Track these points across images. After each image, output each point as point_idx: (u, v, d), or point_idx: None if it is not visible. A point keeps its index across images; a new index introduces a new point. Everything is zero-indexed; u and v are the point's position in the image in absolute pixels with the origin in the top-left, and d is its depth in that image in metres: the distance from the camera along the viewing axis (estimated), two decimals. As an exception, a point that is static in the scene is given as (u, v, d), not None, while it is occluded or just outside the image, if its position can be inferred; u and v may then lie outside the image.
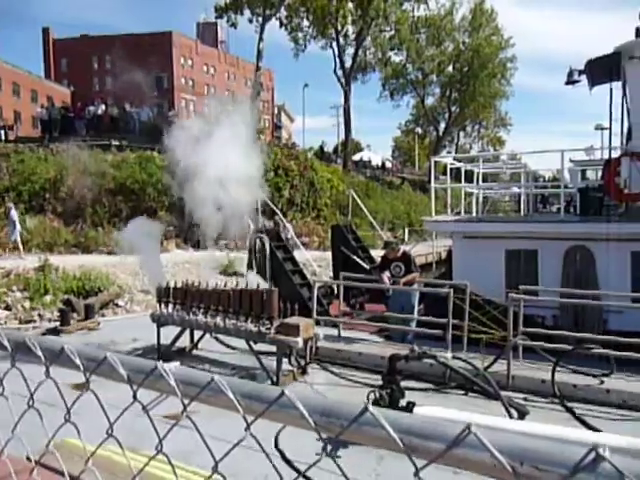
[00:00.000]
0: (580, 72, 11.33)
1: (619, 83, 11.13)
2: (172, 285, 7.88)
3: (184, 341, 7.99)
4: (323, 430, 0.84)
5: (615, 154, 10.27)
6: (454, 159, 15.59)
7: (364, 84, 46.89)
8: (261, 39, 37.96)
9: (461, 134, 55.26)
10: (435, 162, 14.03)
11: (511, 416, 5.29)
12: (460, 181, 12.79)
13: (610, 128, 11.98)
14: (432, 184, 10.70)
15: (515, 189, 16.41)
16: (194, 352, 8.06)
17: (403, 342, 8.49)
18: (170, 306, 7.68)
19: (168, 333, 7.78)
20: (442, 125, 49.32)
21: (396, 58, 45.22)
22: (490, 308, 7.94)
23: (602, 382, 6.64)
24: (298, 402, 0.85)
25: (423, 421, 0.77)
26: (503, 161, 20.79)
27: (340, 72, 40.82)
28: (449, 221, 10.82)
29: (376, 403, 5.10)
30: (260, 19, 37.95)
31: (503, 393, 6.48)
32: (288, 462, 3.74)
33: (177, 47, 52.82)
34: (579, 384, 6.61)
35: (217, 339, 8.01)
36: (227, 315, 7.14)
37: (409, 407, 5.06)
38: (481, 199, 11.95)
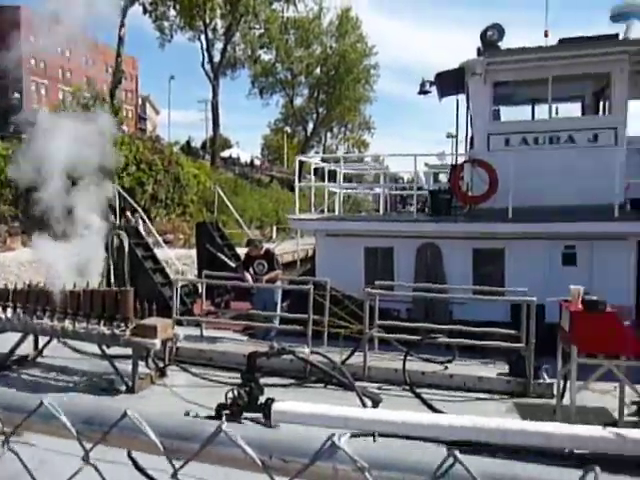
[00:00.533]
0: (431, 83, 12.26)
1: (464, 95, 12.22)
2: (12, 287, 7.14)
3: (27, 348, 7.29)
4: (172, 455, 0.77)
5: (461, 160, 11.28)
6: (321, 160, 16.06)
7: (233, 80, 46.49)
8: (122, 24, 35.87)
9: (328, 135, 56.96)
10: (300, 161, 14.34)
11: (365, 405, 5.55)
12: (329, 180, 13.21)
13: (456, 136, 13.14)
14: (297, 183, 10.93)
15: (377, 190, 17.30)
16: (39, 360, 7.38)
17: (266, 340, 8.54)
18: (10, 310, 6.96)
19: (7, 341, 7.04)
20: (310, 125, 50.52)
21: (265, 56, 45.47)
22: (349, 303, 8.29)
23: (446, 368, 7.25)
24: (144, 424, 0.77)
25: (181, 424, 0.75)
26: (367, 163, 21.86)
27: (208, 66, 40.04)
28: (313, 219, 11.12)
29: (234, 402, 5.07)
30: (122, 2, 35.82)
31: (360, 384, 6.80)
32: (141, 471, 3.57)
33: (26, 24, 47.98)
34: (427, 371, 7.15)
35: (66, 344, 7.42)
36: (77, 318, 6.65)
37: (268, 403, 5.09)
38: (342, 198, 12.43)
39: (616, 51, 9.96)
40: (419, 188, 17.21)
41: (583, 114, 12.06)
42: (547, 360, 6.63)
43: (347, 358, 7.25)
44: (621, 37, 10.56)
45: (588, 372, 5.13)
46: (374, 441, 4.96)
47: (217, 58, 40.29)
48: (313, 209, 12.17)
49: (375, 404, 6.12)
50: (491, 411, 6.15)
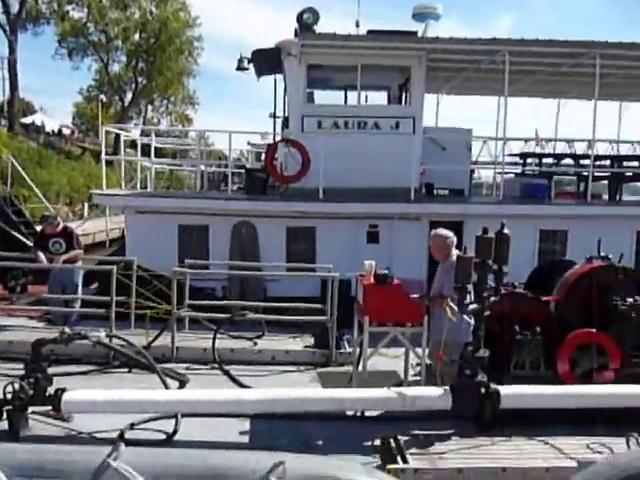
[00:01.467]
0: (249, 60, 12.19)
1: (282, 76, 12.39)
2: None
3: None
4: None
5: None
6: (141, 132, 15.05)
7: (36, 37, 41.25)
8: None
9: (149, 107, 53.80)
10: (117, 134, 13.31)
11: (167, 387, 5.39)
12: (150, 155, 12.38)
13: (274, 116, 13.31)
14: (103, 155, 10.09)
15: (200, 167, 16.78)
16: None
17: (68, 325, 7.82)
18: None
19: None
20: (129, 95, 47.16)
21: (75, 14, 41.07)
22: (157, 283, 7.96)
23: (256, 344, 7.39)
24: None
25: None
26: (191, 138, 21.10)
27: (3, 17, 34.90)
28: (121, 195, 10.41)
29: (16, 396, 4.55)
30: None
31: (168, 365, 6.61)
32: None
33: None
34: (236, 348, 7.21)
35: None
36: None
37: (57, 394, 4.66)
38: (154, 174, 11.84)
39: (415, 47, 10.89)
40: (241, 167, 17.19)
41: (389, 103, 13.03)
42: (350, 331, 7.12)
43: (154, 340, 6.98)
44: (420, 35, 11.59)
45: (382, 339, 5.60)
46: (176, 423, 4.86)
47: (16, 9, 35.33)
48: (123, 184, 11.39)
49: (182, 385, 5.99)
50: (296, 382, 6.43)
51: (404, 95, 12.41)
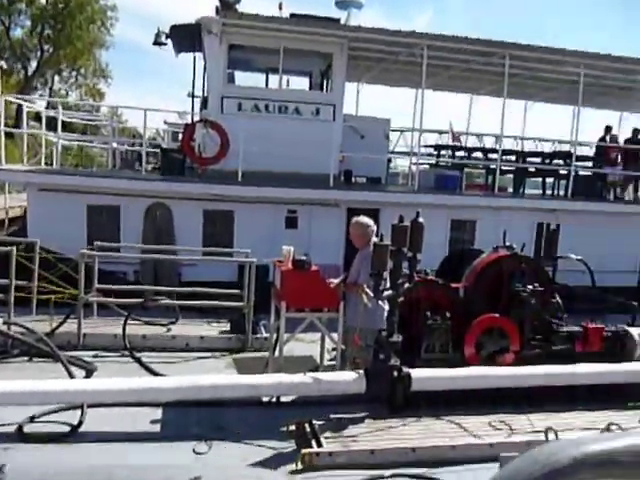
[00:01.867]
0: (167, 35, 11.68)
1: (202, 54, 11.99)
2: None
3: None
4: None
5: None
6: (47, 104, 13.97)
7: None
8: None
9: (56, 78, 50.28)
10: (8, 102, 12.27)
11: (72, 376, 5.11)
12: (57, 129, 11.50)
13: (193, 95, 12.89)
14: (1, 127, 9.27)
15: (115, 144, 15.92)
16: None
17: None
18: None
19: None
20: (33, 64, 43.79)
21: (-30, -30, 37.36)
22: (62, 266, 7.50)
23: (169, 330, 7.18)
24: None
25: None
26: (103, 114, 19.95)
27: None
28: (22, 171, 9.65)
29: None
30: None
31: (74, 353, 6.27)
32: None
33: None
34: (149, 334, 6.97)
35: None
36: None
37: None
38: (60, 150, 11.08)
39: (337, 35, 10.92)
40: (156, 145, 16.52)
41: (310, 89, 13.01)
42: (267, 317, 7.08)
43: (58, 326, 6.59)
44: (343, 23, 11.63)
45: (299, 325, 5.62)
46: (82, 414, 4.62)
47: None
48: (26, 160, 10.58)
49: (88, 374, 5.71)
50: (211, 368, 6.32)
51: (325, 82, 12.45)
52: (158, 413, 4.93)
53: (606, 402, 5.74)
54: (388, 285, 5.02)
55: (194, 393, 4.72)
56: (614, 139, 13.84)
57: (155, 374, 5.88)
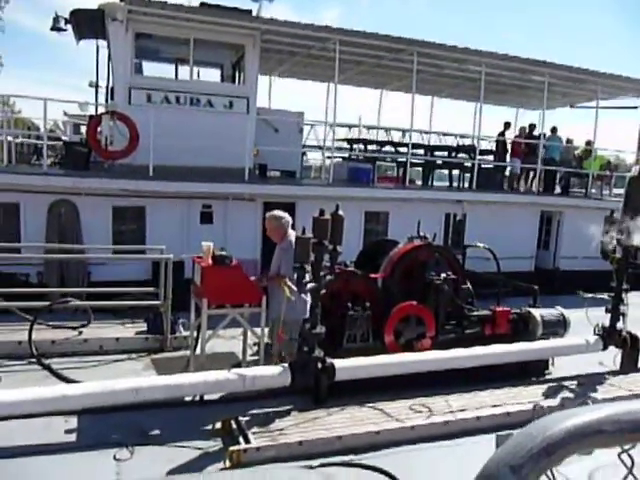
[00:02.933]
0: (66, 21, 10.95)
1: (106, 41, 11.36)
2: None
3: None
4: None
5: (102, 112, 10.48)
6: None
7: None
8: None
9: None
10: None
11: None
12: None
13: (97, 85, 12.20)
14: None
15: (9, 137, 14.70)
16: None
17: None
18: None
19: None
20: None
21: None
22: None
23: (81, 333, 6.79)
24: None
25: None
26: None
27: None
28: None
29: None
30: None
31: (-28, 364, 5.77)
32: None
33: None
34: (58, 338, 6.55)
35: None
36: None
37: None
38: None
39: (249, 26, 10.77)
40: (57, 138, 15.51)
41: (222, 81, 12.75)
42: (185, 315, 6.89)
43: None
44: (255, 14, 11.48)
45: (219, 321, 5.52)
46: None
47: None
48: None
49: (-9, 385, 5.28)
50: (128, 371, 6.06)
51: (237, 74, 12.26)
52: (73, 422, 4.67)
53: (514, 379, 6.18)
54: (309, 277, 5.07)
55: (112, 398, 4.52)
56: (523, 132, 14.74)
57: (67, 381, 5.55)
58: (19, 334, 6.35)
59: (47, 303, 6.70)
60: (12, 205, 9.01)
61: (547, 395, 5.87)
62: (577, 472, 3.37)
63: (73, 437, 4.47)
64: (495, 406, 5.45)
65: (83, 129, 17.32)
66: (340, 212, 5.12)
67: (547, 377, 6.57)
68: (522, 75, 13.55)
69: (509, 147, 14.87)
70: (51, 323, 6.83)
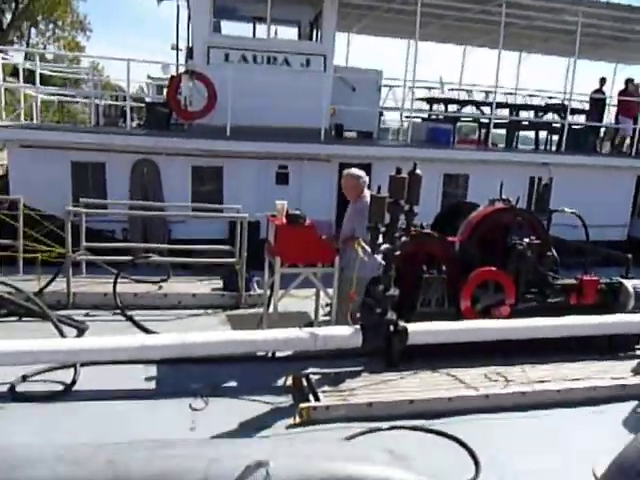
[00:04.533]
0: (148, -19, 11.10)
1: (185, 2, 11.45)
2: None
3: None
4: None
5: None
6: (25, 58, 13.35)
7: None
8: None
9: (33, 32, 48.35)
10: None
11: (63, 335, 5.02)
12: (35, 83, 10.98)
13: (177, 47, 12.37)
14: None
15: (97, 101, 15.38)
16: None
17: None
18: None
19: None
20: (8, 16, 41.96)
21: None
22: (49, 224, 7.31)
23: (160, 287, 7.06)
24: None
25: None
26: (84, 69, 19.21)
27: None
28: (1, 126, 9.27)
29: None
30: None
31: (64, 312, 6.15)
32: None
33: None
34: (140, 292, 6.85)
35: None
36: None
37: None
38: (40, 105, 10.65)
39: (328, -19, 10.44)
40: (140, 100, 16.00)
41: (300, 39, 12.54)
42: (259, 273, 6.98)
43: (46, 285, 6.44)
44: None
45: (292, 280, 5.53)
46: (75, 373, 4.54)
47: None
48: (4, 115, 10.17)
49: (80, 333, 5.62)
50: (204, 326, 6.25)
51: (315, 32, 11.99)
52: (152, 370, 4.88)
53: (598, 353, 5.80)
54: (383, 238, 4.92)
55: (189, 350, 4.65)
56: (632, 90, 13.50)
57: (148, 332, 5.81)
58: (105, 286, 6.70)
59: (130, 258, 7.00)
60: (99, 164, 9.43)
61: (636, 371, 5.47)
62: None
63: (152, 385, 4.68)
64: (577, 379, 5.14)
65: (166, 90, 17.81)
66: (418, 171, 4.89)
67: (637, 353, 6.12)
68: (623, 25, 12.32)
69: (611, 105, 13.72)
70: (134, 277, 7.14)
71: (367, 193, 5.49)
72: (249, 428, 4.07)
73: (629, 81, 13.76)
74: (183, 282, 7.40)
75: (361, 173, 5.64)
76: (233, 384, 4.77)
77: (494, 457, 3.88)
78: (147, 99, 15.13)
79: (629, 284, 6.17)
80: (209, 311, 6.79)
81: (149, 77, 19.48)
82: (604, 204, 11.44)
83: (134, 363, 4.75)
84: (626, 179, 12.53)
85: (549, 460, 3.95)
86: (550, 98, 15.19)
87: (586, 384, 5.04)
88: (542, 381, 5.03)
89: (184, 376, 4.77)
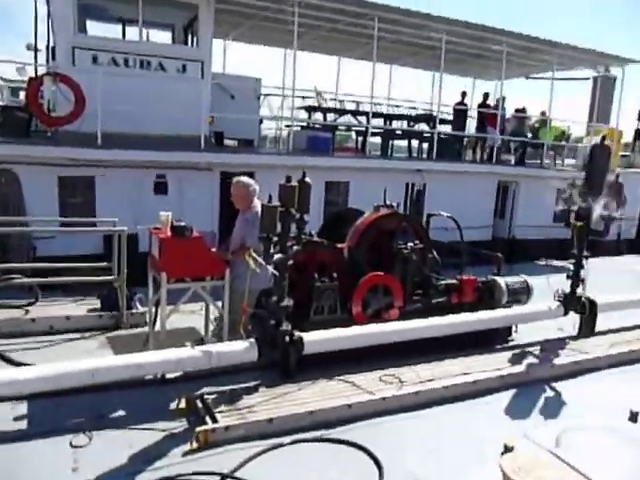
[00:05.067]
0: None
1: (44, -2, 10.51)
2: None
3: None
4: None
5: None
6: None
7: None
8: None
9: None
10: None
11: None
12: None
13: (35, 48, 11.32)
14: None
15: None
16: None
17: None
18: None
19: None
20: None
21: None
22: None
23: (27, 312, 6.34)
24: None
25: None
26: None
27: None
28: None
29: None
30: None
31: None
32: None
33: None
34: (3, 318, 6.09)
35: None
36: None
37: None
38: None
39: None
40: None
41: (173, 44, 12.07)
42: (141, 290, 6.53)
43: None
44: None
45: (179, 296, 5.22)
46: None
47: None
48: None
49: None
50: (82, 351, 5.70)
51: (190, 37, 11.64)
52: (22, 408, 4.32)
53: (479, 347, 6.19)
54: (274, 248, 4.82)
55: (66, 381, 4.17)
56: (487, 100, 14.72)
57: (15, 364, 5.15)
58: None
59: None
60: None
61: (512, 362, 5.91)
62: (545, 435, 3.34)
63: (24, 424, 4.13)
64: (463, 374, 5.42)
65: (22, 95, 16.26)
66: (307, 179, 4.86)
67: (511, 344, 6.62)
68: (481, 44, 13.47)
69: (473, 116, 14.90)
70: (-5, 302, 6.34)
71: (257, 202, 5.35)
72: (141, 460, 3.73)
73: (486, 95, 15.12)
74: (54, 304, 6.71)
75: (251, 182, 5.50)
76: (120, 413, 4.37)
77: (395, 458, 3.94)
78: (1, 102, 13.69)
79: (502, 281, 6.67)
80: (86, 334, 6.21)
81: (1, 79, 17.70)
82: (472, 207, 12.36)
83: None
84: (489, 184, 13.66)
85: (449, 455, 4.10)
86: (413, 109, 16.13)
87: (470, 378, 5.33)
88: (431, 379, 5.24)
89: (61, 410, 4.28)
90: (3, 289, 6.52)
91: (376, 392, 4.84)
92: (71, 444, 3.85)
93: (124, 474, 3.54)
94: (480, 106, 15.02)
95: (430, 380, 5.21)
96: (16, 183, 8.62)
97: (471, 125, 15.82)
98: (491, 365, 5.74)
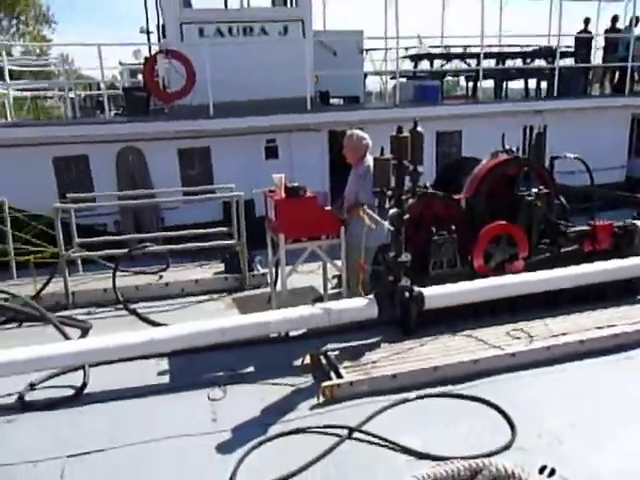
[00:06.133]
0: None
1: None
2: None
3: None
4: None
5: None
6: None
7: None
8: None
9: None
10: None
11: (67, 337, 4.81)
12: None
13: (147, 31, 11.88)
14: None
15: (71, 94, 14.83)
16: None
17: None
18: None
19: None
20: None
21: None
22: (37, 224, 7.02)
23: (161, 277, 6.84)
24: None
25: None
26: (53, 61, 18.55)
27: None
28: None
29: None
30: None
31: (65, 313, 5.94)
32: None
33: None
34: (141, 284, 6.63)
35: None
36: None
37: None
38: (12, 100, 10.21)
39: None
40: (115, 88, 15.49)
41: (273, 5, 12.05)
42: (260, 252, 6.77)
43: (43, 288, 6.21)
44: None
45: (297, 256, 5.31)
46: (84, 375, 4.33)
47: None
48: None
49: (84, 332, 5.40)
50: (211, 311, 6.06)
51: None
52: (164, 364, 4.69)
53: (618, 299, 5.66)
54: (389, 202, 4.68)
55: (199, 339, 4.45)
56: None
57: (154, 324, 5.60)
58: (104, 282, 6.47)
59: (126, 250, 6.75)
60: (82, 157, 9.09)
61: (657, 313, 5.34)
62: None
63: (166, 378, 4.49)
64: (599, 328, 5.00)
65: (140, 77, 17.26)
66: (419, 128, 4.63)
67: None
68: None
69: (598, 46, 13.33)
70: (132, 269, 6.91)
71: (369, 157, 5.23)
72: (272, 413, 3.90)
73: (615, 18, 13.41)
74: (183, 269, 7.18)
75: (365, 135, 5.38)
76: (250, 369, 4.60)
77: (528, 416, 3.73)
78: (124, 85, 14.62)
79: (643, 225, 6.00)
80: (214, 296, 6.59)
81: (121, 64, 18.90)
82: (601, 147, 11.22)
83: (144, 358, 4.55)
84: (621, 119, 12.29)
85: (583, 412, 3.82)
86: (528, 46, 14.76)
87: (609, 332, 4.90)
88: (565, 333, 4.88)
89: (198, 366, 4.59)
90: (139, 257, 7.10)
91: (504, 347, 4.62)
92: (208, 397, 4.12)
93: (258, 425, 3.72)
94: (608, 31, 13.38)
95: (563, 334, 4.87)
96: (141, 159, 9.23)
97: (597, 56, 14.19)
98: (633, 317, 5.23)
